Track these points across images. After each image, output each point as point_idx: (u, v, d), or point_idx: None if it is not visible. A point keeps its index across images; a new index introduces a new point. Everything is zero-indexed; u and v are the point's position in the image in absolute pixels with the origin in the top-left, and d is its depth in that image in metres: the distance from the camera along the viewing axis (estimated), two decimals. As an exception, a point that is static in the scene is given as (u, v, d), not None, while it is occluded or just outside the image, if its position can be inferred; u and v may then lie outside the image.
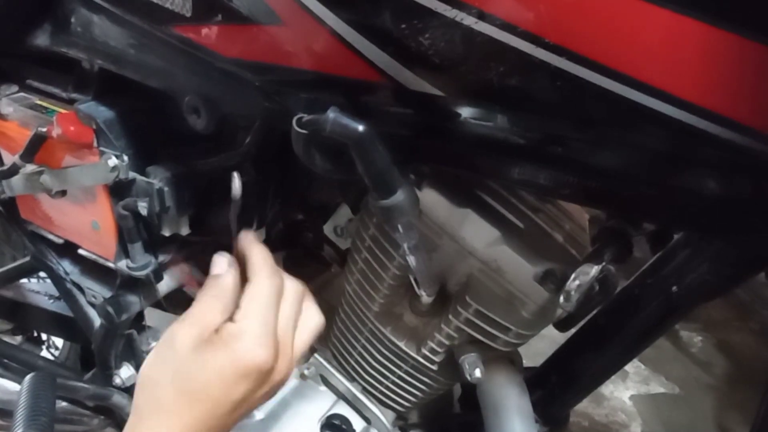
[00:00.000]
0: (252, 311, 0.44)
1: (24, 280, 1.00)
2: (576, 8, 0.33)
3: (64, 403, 0.90)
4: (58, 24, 0.59)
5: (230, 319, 0.44)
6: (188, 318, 0.44)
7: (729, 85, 0.32)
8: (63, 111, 0.61)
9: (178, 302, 0.77)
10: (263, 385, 0.44)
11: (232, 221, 0.52)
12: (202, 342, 0.43)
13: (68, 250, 0.71)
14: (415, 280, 0.51)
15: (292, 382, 0.71)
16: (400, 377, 0.65)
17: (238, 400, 0.43)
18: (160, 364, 0.44)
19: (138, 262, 0.63)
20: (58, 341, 1.30)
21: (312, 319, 0.49)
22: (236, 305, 0.45)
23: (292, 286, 0.48)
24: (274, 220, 0.70)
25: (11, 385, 0.93)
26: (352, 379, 0.70)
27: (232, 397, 0.42)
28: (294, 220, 0.78)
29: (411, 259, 0.47)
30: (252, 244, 0.49)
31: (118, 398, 0.76)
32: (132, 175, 0.58)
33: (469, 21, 0.34)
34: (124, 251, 0.64)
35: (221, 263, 0.48)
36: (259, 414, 0.68)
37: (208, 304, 0.45)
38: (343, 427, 0.67)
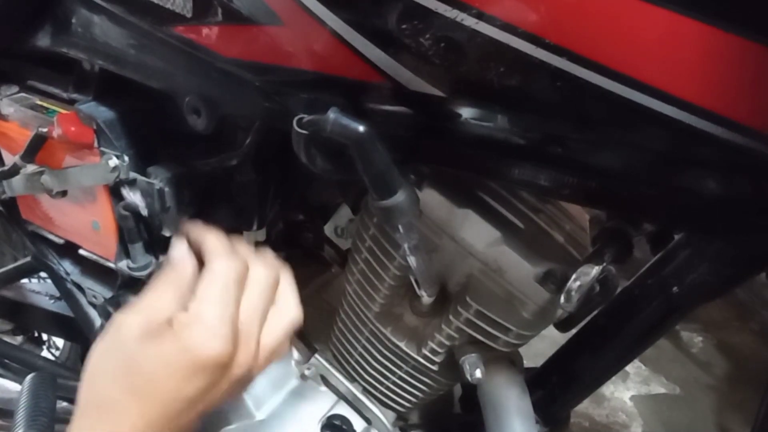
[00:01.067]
0: (206, 297, 0.39)
1: (25, 281, 1.00)
2: (576, 9, 0.33)
3: (64, 403, 0.90)
4: (59, 24, 0.59)
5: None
6: (136, 305, 0.39)
7: (729, 85, 0.32)
8: (63, 111, 0.61)
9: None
10: (221, 380, 0.38)
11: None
12: (149, 332, 0.37)
13: (69, 250, 0.71)
14: (416, 280, 0.51)
15: (293, 383, 0.71)
16: (400, 378, 0.65)
17: (192, 398, 0.37)
18: (103, 356, 0.38)
19: (138, 263, 0.63)
20: (59, 341, 1.30)
21: (286, 310, 0.43)
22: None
23: (262, 271, 0.42)
24: (275, 220, 0.70)
25: (12, 385, 0.93)
26: (352, 380, 0.70)
27: (183, 393, 0.37)
28: (294, 220, 0.78)
29: (411, 260, 0.47)
30: (204, 231, 0.43)
31: (118, 398, 0.76)
32: (132, 175, 0.58)
33: (470, 21, 0.34)
34: (124, 251, 0.64)
35: (180, 248, 0.43)
36: (259, 414, 0.68)
37: (160, 291, 0.40)
38: (344, 427, 0.67)
